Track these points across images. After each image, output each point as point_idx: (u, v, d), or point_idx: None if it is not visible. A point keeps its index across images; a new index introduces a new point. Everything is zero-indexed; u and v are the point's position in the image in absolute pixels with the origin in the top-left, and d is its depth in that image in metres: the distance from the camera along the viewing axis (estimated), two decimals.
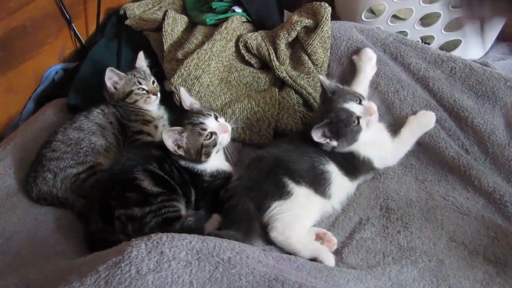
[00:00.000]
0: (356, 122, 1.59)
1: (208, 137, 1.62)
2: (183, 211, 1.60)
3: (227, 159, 1.78)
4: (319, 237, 1.55)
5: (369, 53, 1.88)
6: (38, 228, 1.62)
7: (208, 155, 1.64)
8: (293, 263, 1.35)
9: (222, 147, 1.71)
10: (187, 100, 1.71)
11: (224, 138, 1.67)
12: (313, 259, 1.46)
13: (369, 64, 1.87)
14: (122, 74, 1.91)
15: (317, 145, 1.64)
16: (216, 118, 1.68)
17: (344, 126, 1.58)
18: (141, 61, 2.03)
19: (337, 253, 1.53)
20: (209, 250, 1.19)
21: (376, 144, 1.69)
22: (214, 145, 1.64)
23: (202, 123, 1.63)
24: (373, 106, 1.62)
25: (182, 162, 1.66)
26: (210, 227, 1.55)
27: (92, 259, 1.22)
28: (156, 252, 1.15)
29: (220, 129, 1.65)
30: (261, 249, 1.41)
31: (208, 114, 1.66)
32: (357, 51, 1.93)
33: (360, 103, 1.62)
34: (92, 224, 1.52)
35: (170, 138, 1.58)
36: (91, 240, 1.53)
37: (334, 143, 1.61)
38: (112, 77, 1.89)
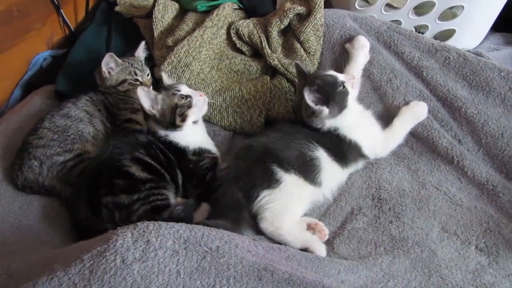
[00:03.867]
0: (342, 85, 1.62)
1: (182, 98, 1.67)
2: (172, 200, 1.57)
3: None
4: (310, 227, 1.53)
5: (362, 41, 1.86)
6: (24, 217, 1.59)
7: (183, 117, 1.67)
8: (283, 253, 1.34)
9: (201, 120, 1.79)
10: (167, 81, 1.78)
11: (200, 101, 1.70)
12: (304, 250, 1.45)
13: (362, 52, 1.85)
14: (119, 61, 1.88)
15: (309, 126, 1.67)
16: None
17: (332, 89, 1.61)
18: (141, 51, 2.01)
19: (329, 243, 1.52)
20: (197, 239, 1.17)
21: (363, 128, 1.69)
22: (189, 106, 1.67)
23: (175, 87, 1.71)
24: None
25: (162, 132, 1.68)
26: (199, 216, 1.54)
27: (77, 248, 1.19)
28: (142, 241, 1.12)
29: (195, 93, 1.71)
30: (251, 238, 1.38)
31: (182, 84, 1.75)
32: (350, 39, 1.91)
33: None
34: (79, 212, 1.49)
35: (145, 96, 1.64)
36: (78, 228, 1.50)
37: (326, 109, 1.61)
38: (109, 63, 1.87)
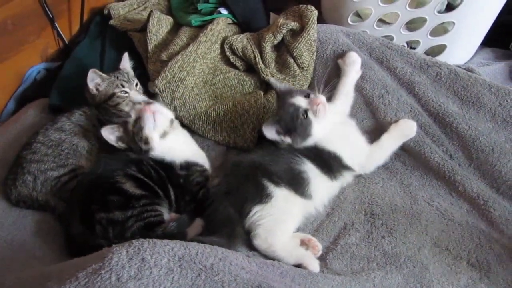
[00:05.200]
0: (304, 115, 1.59)
1: (133, 125, 1.63)
2: (166, 216, 1.58)
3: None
4: (304, 243, 1.54)
5: (354, 57, 1.87)
6: (17, 232, 1.59)
7: (145, 141, 1.61)
8: (276, 269, 1.34)
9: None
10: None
11: (147, 117, 1.60)
12: (298, 265, 1.45)
13: (353, 68, 1.86)
14: (104, 75, 1.87)
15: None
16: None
17: (292, 121, 1.59)
18: (126, 62, 1.99)
19: (321, 258, 1.52)
20: (191, 257, 1.17)
21: (343, 139, 1.67)
22: (141, 129, 1.60)
23: (127, 113, 1.67)
24: (320, 97, 1.61)
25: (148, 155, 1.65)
26: (192, 231, 1.54)
27: (72, 266, 1.19)
28: (137, 258, 1.13)
29: (141, 110, 1.63)
30: (245, 255, 1.39)
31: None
32: (343, 54, 1.92)
33: (307, 97, 1.63)
34: (73, 228, 1.49)
35: (110, 134, 1.62)
36: (71, 244, 1.50)
37: (288, 139, 1.62)
38: (94, 79, 1.86)
